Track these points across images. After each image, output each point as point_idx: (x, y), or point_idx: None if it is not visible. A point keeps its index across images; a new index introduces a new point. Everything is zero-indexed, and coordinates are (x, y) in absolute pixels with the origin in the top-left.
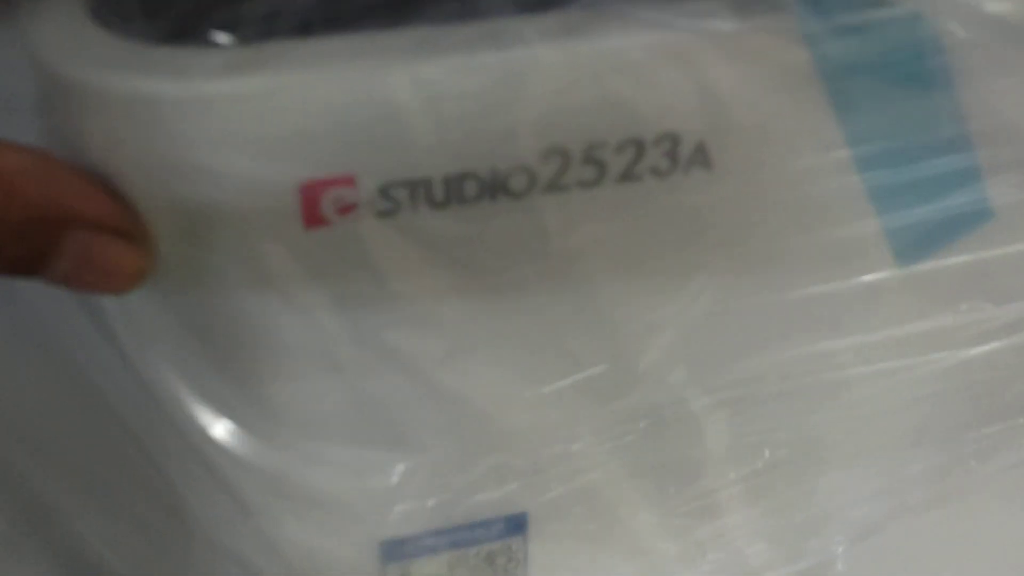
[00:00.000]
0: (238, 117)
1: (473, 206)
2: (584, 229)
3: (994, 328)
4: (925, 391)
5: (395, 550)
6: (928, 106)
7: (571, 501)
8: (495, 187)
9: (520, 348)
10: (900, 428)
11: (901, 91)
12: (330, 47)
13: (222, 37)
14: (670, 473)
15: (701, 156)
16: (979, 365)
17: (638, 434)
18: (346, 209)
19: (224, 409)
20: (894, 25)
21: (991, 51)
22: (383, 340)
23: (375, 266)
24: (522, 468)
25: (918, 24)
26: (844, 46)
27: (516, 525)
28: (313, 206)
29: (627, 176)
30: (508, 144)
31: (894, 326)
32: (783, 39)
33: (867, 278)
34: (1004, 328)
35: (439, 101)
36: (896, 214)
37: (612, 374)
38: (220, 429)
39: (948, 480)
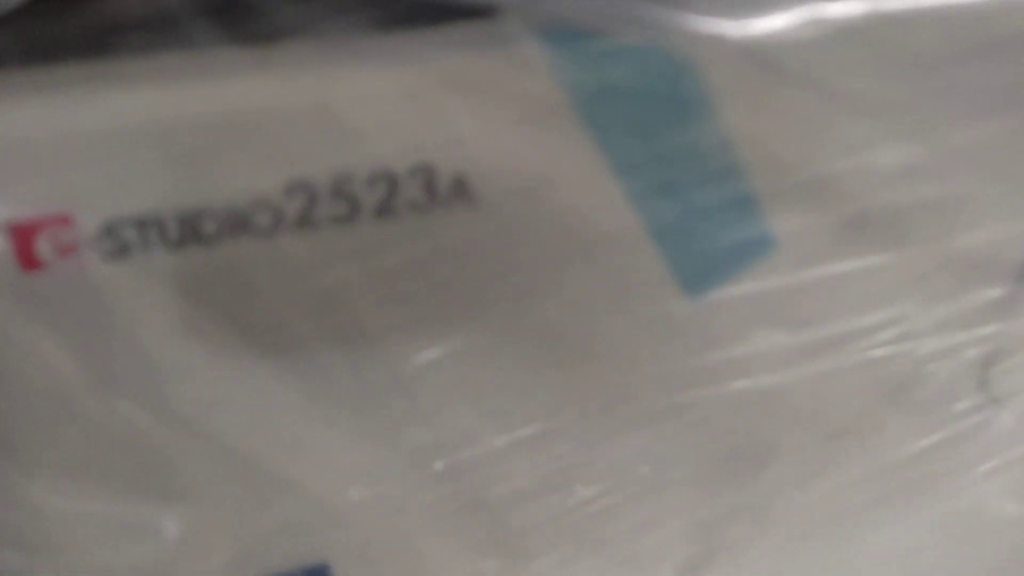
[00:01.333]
0: None
1: (215, 246)
2: (341, 267)
3: (791, 355)
4: (731, 421)
5: None
6: (690, 132)
7: (375, 549)
8: (236, 225)
9: (292, 392)
10: (710, 459)
11: (659, 117)
12: (24, 77)
13: None
14: (476, 515)
15: (461, 190)
16: (782, 392)
17: (437, 476)
18: (66, 250)
19: None
20: (641, 51)
21: (749, 78)
22: (131, 387)
23: (111, 311)
24: (316, 519)
25: (664, 51)
26: (592, 73)
27: None
28: (27, 247)
29: (383, 211)
30: (242, 178)
31: (689, 357)
32: (522, 68)
33: (654, 309)
34: (801, 355)
35: (154, 132)
36: (676, 245)
37: (394, 415)
38: None
39: (768, 512)
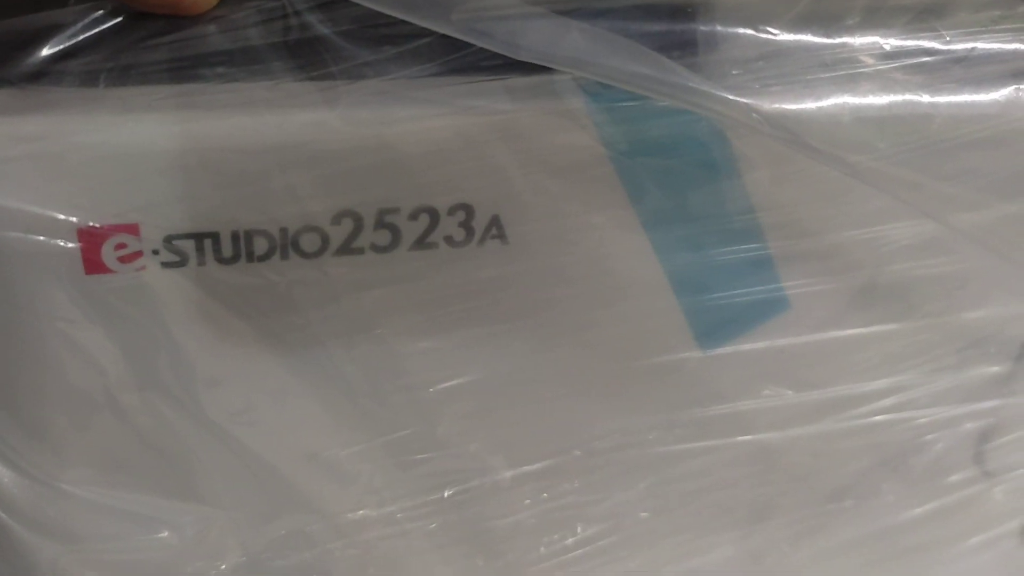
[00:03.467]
0: (17, 156)
1: (263, 264)
2: (378, 292)
3: (796, 414)
4: (732, 473)
5: None
6: (717, 194)
7: (376, 569)
8: (285, 246)
9: (316, 408)
10: (708, 509)
11: (690, 177)
12: (115, 96)
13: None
14: (478, 544)
15: (497, 229)
16: (784, 450)
17: (444, 503)
18: (129, 258)
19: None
20: (678, 115)
21: (775, 148)
22: (170, 389)
23: (160, 316)
24: (323, 533)
25: (699, 117)
26: (631, 131)
27: None
28: (93, 253)
29: (421, 244)
30: (296, 204)
31: (697, 407)
32: (566, 121)
33: (669, 358)
34: (805, 415)
35: (220, 156)
36: (695, 298)
37: (410, 440)
38: None
39: (760, 566)
